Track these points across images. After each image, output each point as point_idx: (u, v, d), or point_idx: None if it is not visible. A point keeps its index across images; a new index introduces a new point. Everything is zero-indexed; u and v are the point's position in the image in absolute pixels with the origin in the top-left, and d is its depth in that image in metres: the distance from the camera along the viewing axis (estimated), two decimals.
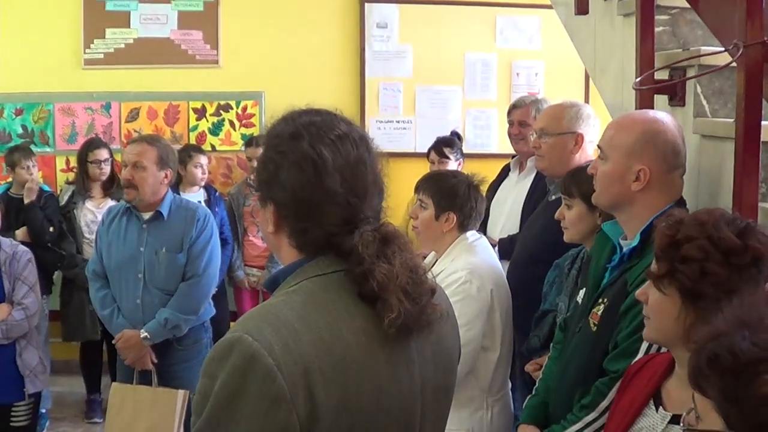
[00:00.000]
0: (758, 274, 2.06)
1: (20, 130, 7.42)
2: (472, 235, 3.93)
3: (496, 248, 5.22)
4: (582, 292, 3.12)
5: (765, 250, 2.06)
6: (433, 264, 3.95)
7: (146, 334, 4.76)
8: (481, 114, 7.67)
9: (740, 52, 2.56)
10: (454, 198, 3.86)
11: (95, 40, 7.64)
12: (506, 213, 5.29)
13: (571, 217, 3.58)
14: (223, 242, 6.81)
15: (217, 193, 7.03)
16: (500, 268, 4.00)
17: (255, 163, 6.75)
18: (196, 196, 6.84)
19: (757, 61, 2.56)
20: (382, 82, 7.73)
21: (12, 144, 7.28)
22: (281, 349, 1.67)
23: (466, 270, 3.73)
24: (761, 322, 1.56)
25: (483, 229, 5.37)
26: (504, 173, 5.57)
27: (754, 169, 2.64)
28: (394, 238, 1.86)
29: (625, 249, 2.88)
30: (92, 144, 6.81)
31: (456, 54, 7.70)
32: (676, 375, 2.26)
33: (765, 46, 2.57)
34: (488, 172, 5.68)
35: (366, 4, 7.65)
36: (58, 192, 6.99)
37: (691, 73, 3.25)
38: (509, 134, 5.53)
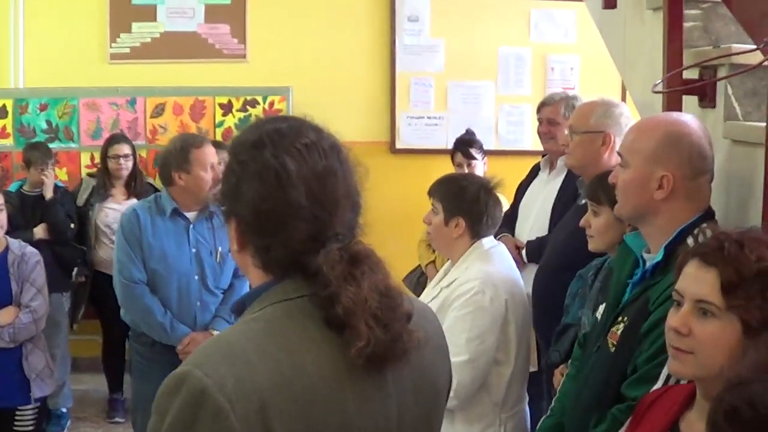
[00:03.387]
0: None
1: (45, 126, 7.32)
2: (488, 242, 3.75)
3: (524, 251, 5.05)
4: (602, 308, 2.92)
5: None
6: (445, 273, 3.79)
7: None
8: (515, 110, 7.44)
9: None
10: (461, 202, 3.68)
11: (121, 35, 7.55)
12: (535, 214, 5.11)
13: (597, 225, 3.37)
14: None
15: None
16: (518, 276, 3.82)
17: None
18: None
19: None
20: (413, 77, 7.52)
21: (36, 140, 7.19)
22: (235, 384, 1.53)
23: (478, 279, 3.55)
24: None
25: (511, 231, 5.22)
26: (534, 173, 5.38)
27: None
28: (365, 258, 1.69)
29: (648, 264, 2.68)
30: (113, 139, 6.73)
31: (489, 48, 7.47)
32: (698, 406, 2.05)
33: None
34: (521, 169, 5.55)
35: None
36: (80, 187, 6.87)
37: (722, 72, 3.03)
38: (538, 132, 5.35)
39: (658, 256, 2.60)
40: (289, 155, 1.71)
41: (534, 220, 5.09)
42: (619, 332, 2.66)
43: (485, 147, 7.10)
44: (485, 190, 3.72)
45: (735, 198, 2.88)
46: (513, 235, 5.22)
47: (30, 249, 4.92)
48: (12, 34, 7.58)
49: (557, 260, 4.11)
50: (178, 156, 4.61)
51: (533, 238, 4.99)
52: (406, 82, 7.52)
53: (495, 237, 5.26)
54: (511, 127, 7.44)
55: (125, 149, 6.61)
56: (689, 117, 2.72)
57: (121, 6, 7.51)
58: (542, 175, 5.24)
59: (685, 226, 2.60)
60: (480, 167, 6.28)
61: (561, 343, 3.58)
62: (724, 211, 2.89)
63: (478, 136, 7.06)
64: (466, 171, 6.22)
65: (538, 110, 5.39)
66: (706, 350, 1.98)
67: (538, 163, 5.36)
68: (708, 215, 2.66)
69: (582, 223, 3.44)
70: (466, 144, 6.31)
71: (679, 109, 3.10)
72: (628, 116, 3.97)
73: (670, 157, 2.60)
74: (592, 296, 3.36)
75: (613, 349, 2.67)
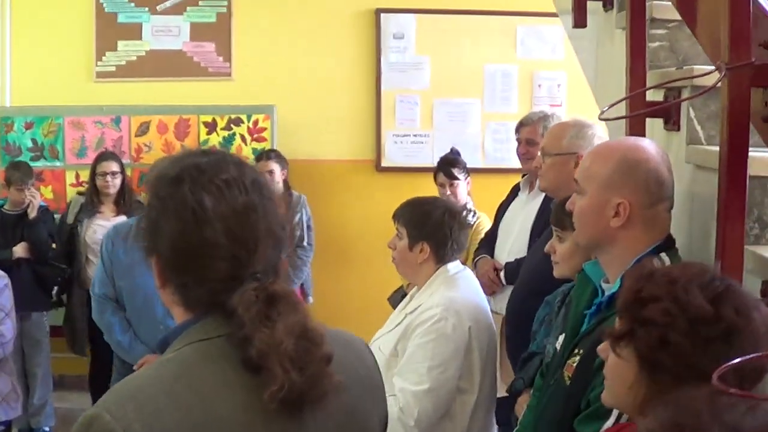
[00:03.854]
0: (728, 350, 1.70)
1: (30, 144, 7.30)
2: (454, 266, 3.69)
3: (502, 273, 5.00)
4: (561, 338, 2.87)
5: (741, 322, 1.73)
6: (411, 299, 3.74)
7: None
8: (501, 127, 7.40)
9: (722, 74, 2.29)
10: (425, 226, 3.62)
11: (107, 53, 7.55)
12: (515, 235, 5.04)
13: (562, 251, 3.30)
14: None
15: None
16: (484, 302, 3.77)
17: (267, 178, 6.59)
18: None
19: (742, 85, 2.27)
20: (399, 95, 7.51)
21: (21, 158, 7.16)
22: (142, 428, 1.49)
23: (441, 306, 3.48)
24: (698, 428, 1.31)
25: (491, 251, 5.16)
26: (514, 193, 5.32)
27: (738, 207, 2.36)
28: (282, 299, 1.64)
29: (603, 295, 2.62)
30: (101, 156, 6.69)
31: (475, 65, 7.45)
32: None
33: (752, 68, 2.28)
34: (508, 187, 5.48)
35: (382, 15, 7.44)
36: (67, 205, 6.84)
37: (685, 94, 2.98)
38: (517, 153, 5.29)
39: (615, 286, 2.54)
40: (207, 192, 1.67)
41: (513, 241, 5.03)
42: (574, 365, 2.60)
43: (471, 165, 7.06)
44: (450, 214, 3.66)
45: (698, 224, 2.83)
46: (492, 255, 5.17)
47: None
48: None
49: (529, 284, 4.04)
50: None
51: (512, 259, 4.93)
52: (391, 100, 7.51)
53: (475, 258, 5.27)
54: (497, 145, 7.40)
55: (113, 166, 6.56)
56: (647, 142, 2.66)
57: (107, 24, 7.51)
58: (522, 195, 5.18)
59: (642, 255, 2.54)
60: (463, 187, 6.22)
61: (526, 370, 3.51)
62: (687, 238, 2.84)
63: (465, 154, 7.00)
64: (448, 191, 6.17)
65: (517, 130, 5.35)
66: (611, 378, 1.93)
67: (519, 183, 5.31)
68: (667, 243, 2.61)
69: (547, 248, 3.38)
70: (448, 164, 6.25)
71: (642, 132, 3.05)
72: (602, 137, 3.91)
73: (625, 184, 2.54)
74: (557, 324, 3.29)
75: (568, 382, 2.61)
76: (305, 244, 6.80)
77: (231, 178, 1.70)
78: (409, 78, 7.48)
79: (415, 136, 7.51)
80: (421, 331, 3.48)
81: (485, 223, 6.09)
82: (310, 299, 7.02)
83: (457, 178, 6.16)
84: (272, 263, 1.73)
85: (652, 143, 2.66)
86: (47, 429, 6.65)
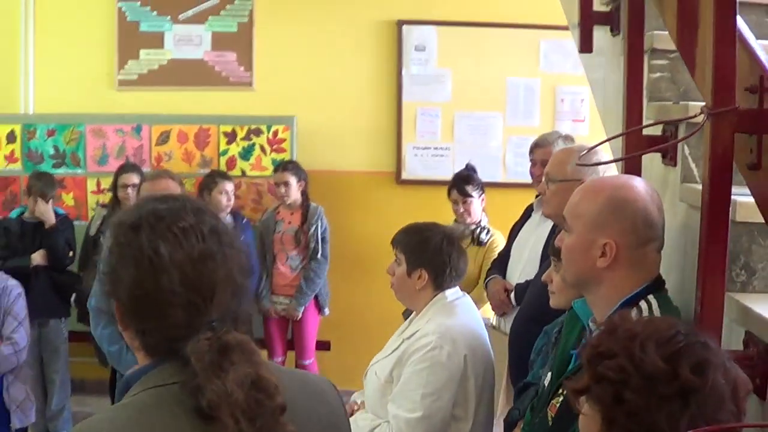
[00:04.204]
0: (683, 410, 1.67)
1: (52, 151, 7.33)
2: (452, 293, 3.66)
3: (512, 294, 4.95)
4: (549, 376, 2.82)
5: (698, 382, 1.67)
6: (409, 324, 3.71)
7: None
8: (523, 141, 7.25)
9: (703, 120, 2.23)
10: (423, 253, 3.60)
11: (129, 61, 7.58)
12: (526, 256, 4.99)
13: (558, 282, 3.25)
14: None
15: (244, 220, 6.84)
16: (481, 330, 3.72)
17: (282, 189, 6.59)
18: None
19: (724, 131, 2.20)
20: (420, 107, 7.46)
21: (43, 165, 7.23)
22: None
23: (437, 334, 3.46)
24: None
25: (503, 272, 5.11)
26: (527, 213, 5.27)
27: (719, 253, 2.29)
28: (235, 348, 1.63)
29: (591, 335, 2.57)
30: (123, 168, 6.70)
31: (497, 78, 7.39)
32: None
33: (736, 114, 2.21)
34: (530, 202, 5.42)
35: (404, 26, 7.39)
36: (90, 216, 6.90)
37: (682, 129, 2.90)
38: (531, 174, 5.24)
39: (600, 328, 2.49)
40: (163, 240, 1.68)
41: (525, 263, 4.98)
42: (558, 405, 2.56)
43: (492, 179, 7.06)
44: (449, 241, 3.64)
45: (691, 262, 2.71)
46: (505, 276, 5.12)
47: (12, 281, 4.94)
48: (22, 60, 7.63)
49: (531, 310, 3.99)
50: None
51: (523, 280, 4.88)
52: (412, 112, 7.46)
53: (486, 277, 5.22)
54: (519, 159, 7.29)
55: (134, 179, 6.55)
56: (638, 181, 2.59)
57: (129, 33, 7.54)
58: (535, 216, 5.13)
59: (629, 297, 2.49)
60: (477, 204, 6.17)
61: (521, 401, 3.45)
62: (680, 278, 2.77)
63: (486, 168, 6.99)
64: (462, 209, 6.13)
65: (531, 151, 5.31)
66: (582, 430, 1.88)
67: (533, 203, 5.25)
68: (656, 284, 2.55)
69: (544, 278, 3.33)
70: (463, 180, 6.20)
71: (639, 165, 2.99)
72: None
73: (612, 224, 2.48)
74: (553, 356, 3.25)
75: (551, 423, 2.57)
76: (319, 256, 6.76)
77: (188, 226, 1.70)
78: (431, 90, 7.43)
79: (435, 149, 7.47)
80: (416, 358, 3.46)
81: (499, 241, 6.04)
82: (327, 311, 7.00)
83: (470, 196, 6.12)
84: (231, 310, 1.73)
85: (643, 182, 2.60)
86: None
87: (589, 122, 7.06)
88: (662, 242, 2.56)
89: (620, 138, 3.21)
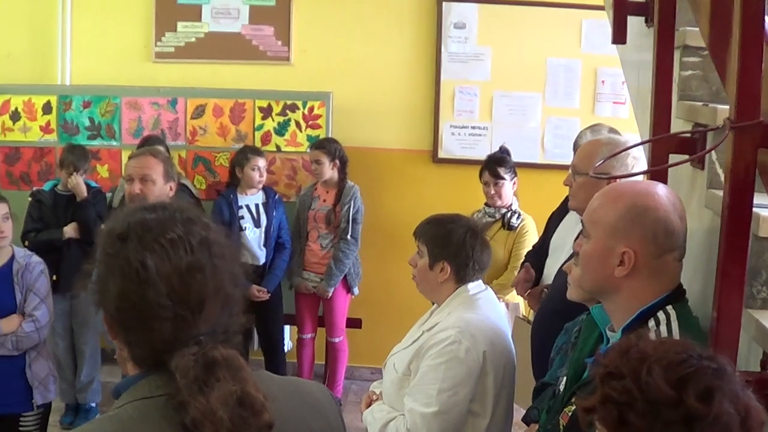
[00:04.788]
0: None
1: (87, 123, 7.32)
2: (474, 287, 3.60)
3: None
4: (564, 380, 2.74)
5: (703, 409, 1.60)
6: (430, 315, 3.65)
7: None
8: (563, 123, 7.20)
9: (726, 133, 2.12)
10: (446, 246, 3.54)
11: (166, 34, 7.54)
12: (567, 253, 4.85)
13: (573, 277, 3.17)
14: (281, 246, 6.64)
15: (276, 196, 6.79)
16: (503, 325, 3.66)
17: (315, 167, 6.53)
18: (253, 198, 6.65)
19: (747, 146, 2.09)
20: (458, 86, 7.34)
21: (78, 137, 7.23)
22: None
23: (456, 329, 3.41)
24: None
25: (540, 267, 4.97)
26: (567, 205, 5.13)
27: (739, 267, 2.20)
28: (221, 364, 1.59)
29: (608, 344, 2.49)
30: (146, 141, 6.66)
31: (537, 58, 7.24)
32: None
33: (761, 128, 2.11)
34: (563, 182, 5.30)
35: (444, 3, 7.25)
36: (112, 188, 6.86)
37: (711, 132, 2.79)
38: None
39: (616, 336, 2.42)
40: (150, 252, 1.65)
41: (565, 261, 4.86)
42: (570, 414, 2.49)
43: (530, 160, 6.97)
44: (472, 233, 3.57)
45: (715, 272, 2.65)
46: (542, 269, 4.97)
47: (35, 258, 4.92)
48: (60, 31, 7.63)
49: (554, 303, 3.89)
50: None
51: None
52: (450, 91, 7.34)
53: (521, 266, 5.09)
54: (557, 140, 7.20)
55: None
56: (660, 188, 2.49)
57: (167, 5, 7.49)
58: (574, 213, 5.00)
59: (646, 307, 2.41)
60: (508, 188, 6.10)
61: (540, 400, 3.39)
62: (702, 286, 2.67)
63: (523, 149, 6.92)
64: (492, 191, 6.06)
65: (575, 150, 5.18)
66: None
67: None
68: (677, 295, 2.46)
69: (564, 267, 3.26)
70: (495, 162, 6.13)
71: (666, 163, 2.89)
72: (636, 156, 3.74)
73: (632, 233, 2.39)
74: (570, 358, 3.16)
75: (562, 431, 2.50)
76: (348, 237, 6.71)
77: (177, 237, 1.67)
78: (470, 69, 7.31)
79: (473, 128, 7.35)
80: (434, 352, 3.41)
81: (530, 227, 5.96)
82: (356, 291, 6.96)
83: (502, 178, 6.06)
84: (222, 323, 1.70)
85: (665, 189, 2.50)
86: (93, 405, 6.80)
87: (629, 105, 6.89)
88: (683, 251, 2.47)
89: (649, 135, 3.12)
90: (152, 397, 1.62)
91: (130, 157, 4.79)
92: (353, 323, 7.15)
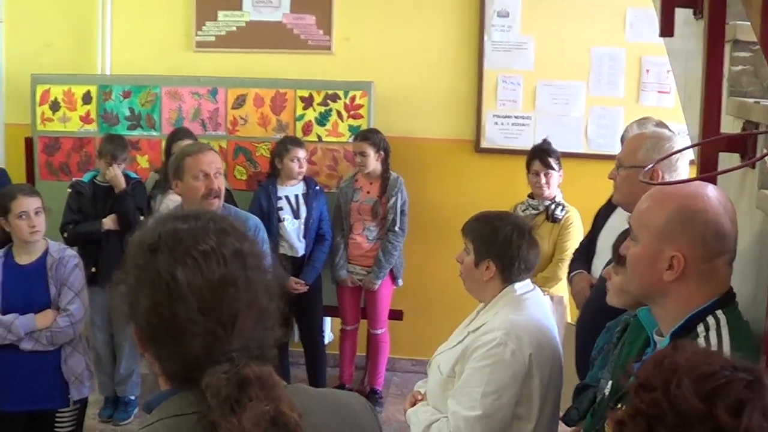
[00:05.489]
0: None
1: (127, 113, 7.32)
2: (522, 287, 3.52)
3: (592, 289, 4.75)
4: (609, 385, 2.68)
5: (734, 423, 1.55)
6: (477, 315, 3.58)
7: None
8: (606, 112, 7.08)
9: None
10: (492, 244, 3.47)
11: (207, 23, 7.52)
12: None
13: (614, 283, 3.11)
14: (321, 238, 6.60)
15: (317, 187, 6.73)
16: (551, 327, 3.57)
17: (359, 159, 6.49)
18: (294, 189, 6.62)
19: None
20: (501, 75, 7.23)
21: (118, 127, 7.23)
22: None
23: (502, 330, 3.34)
24: None
25: (588, 264, 4.89)
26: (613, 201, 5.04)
27: None
28: (255, 383, 1.53)
29: (655, 348, 2.42)
30: (176, 135, 6.66)
31: (581, 47, 7.11)
32: None
33: None
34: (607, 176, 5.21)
35: None
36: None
37: (764, 128, 2.70)
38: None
39: (664, 341, 2.35)
40: (182, 264, 1.60)
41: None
42: None
43: (574, 150, 6.89)
44: (519, 232, 3.49)
45: (766, 275, 2.56)
46: (590, 268, 4.89)
47: (69, 252, 4.90)
48: (100, 20, 7.64)
49: (597, 302, 3.81)
50: (173, 164, 4.71)
51: None
52: (493, 80, 7.24)
53: (570, 271, 5.01)
54: (601, 131, 7.08)
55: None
56: (710, 189, 2.41)
57: None
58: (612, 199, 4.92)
59: (695, 312, 2.34)
60: (556, 178, 6.05)
61: (580, 401, 3.31)
62: (753, 289, 2.59)
63: (567, 139, 6.85)
64: (543, 180, 6.00)
65: (622, 141, 5.10)
66: None
67: None
68: (726, 299, 2.38)
69: (603, 273, 3.21)
70: (545, 152, 6.07)
71: (714, 165, 2.80)
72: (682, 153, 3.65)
73: (681, 236, 2.32)
74: (614, 357, 3.08)
75: None
76: (397, 228, 6.68)
77: (209, 249, 1.62)
78: (513, 58, 7.20)
79: (516, 117, 7.25)
80: (479, 354, 3.35)
81: (574, 218, 5.89)
82: (400, 282, 6.91)
83: (552, 168, 6.03)
84: (256, 337, 1.65)
85: (715, 190, 2.41)
86: (133, 398, 6.78)
87: (674, 94, 6.76)
88: (734, 254, 2.39)
89: (698, 128, 3.03)
90: (183, 414, 1.57)
91: (186, 155, 4.66)
92: (395, 315, 7.11)
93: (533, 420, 3.39)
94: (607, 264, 3.55)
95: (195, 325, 1.58)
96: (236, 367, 1.55)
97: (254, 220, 4.68)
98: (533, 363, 3.35)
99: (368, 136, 6.64)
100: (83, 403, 5.02)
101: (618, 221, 4.68)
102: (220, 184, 4.60)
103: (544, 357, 3.41)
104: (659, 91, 6.93)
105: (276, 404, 1.53)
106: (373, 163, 6.61)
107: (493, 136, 7.27)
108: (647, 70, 7.04)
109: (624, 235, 2.97)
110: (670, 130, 4.91)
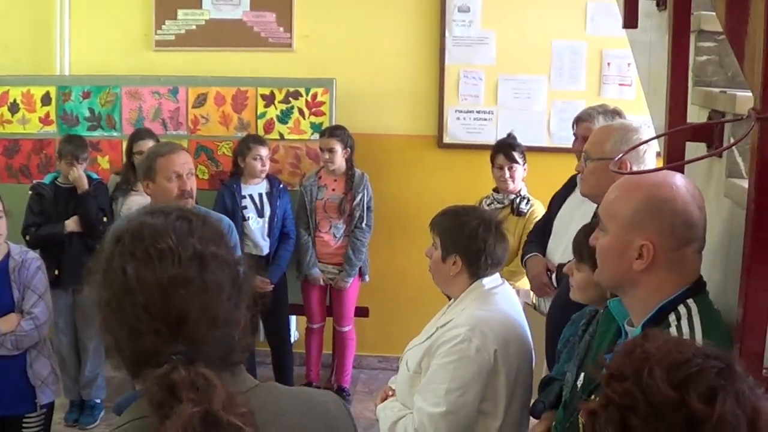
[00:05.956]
0: None
1: (87, 113, 7.23)
2: (490, 281, 3.50)
3: (553, 275, 4.77)
4: (582, 377, 2.68)
5: (706, 411, 1.55)
6: (447, 310, 3.57)
7: None
8: (568, 106, 7.07)
9: (751, 125, 2.04)
10: (458, 239, 3.45)
11: (166, 21, 7.45)
12: (570, 234, 4.76)
13: (577, 279, 3.13)
14: (286, 236, 6.58)
15: (281, 185, 6.71)
16: (519, 323, 3.56)
17: (327, 155, 6.45)
18: (258, 188, 6.59)
19: None
20: (463, 70, 7.22)
21: (78, 128, 7.15)
22: None
23: (467, 326, 3.32)
24: None
25: (543, 247, 4.93)
26: (571, 185, 5.06)
27: (765, 261, 2.12)
28: (183, 386, 1.50)
29: (626, 338, 2.42)
30: (137, 135, 6.60)
31: (542, 41, 7.12)
32: None
33: None
34: (573, 168, 5.21)
35: None
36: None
37: (730, 117, 2.70)
38: (573, 150, 5.03)
39: (636, 330, 2.35)
40: (135, 259, 1.59)
41: (568, 241, 4.74)
42: None
43: (536, 144, 6.90)
44: (485, 226, 3.47)
45: (735, 263, 2.54)
46: (544, 251, 4.93)
47: (31, 254, 4.83)
48: (58, 20, 7.55)
49: (567, 296, 3.83)
50: (144, 165, 4.64)
51: (566, 260, 4.69)
52: (455, 75, 7.24)
53: (524, 253, 5.04)
54: (563, 124, 7.05)
55: (149, 144, 6.41)
56: (678, 178, 2.41)
57: None
58: (578, 191, 4.93)
59: (666, 301, 2.34)
60: (520, 172, 6.07)
61: (546, 394, 3.31)
62: (722, 277, 2.60)
63: (530, 133, 6.87)
64: (507, 174, 6.01)
65: (574, 125, 5.11)
66: None
67: (575, 175, 5.04)
68: (697, 288, 2.39)
69: (565, 269, 3.22)
70: (509, 146, 6.08)
71: (681, 154, 2.80)
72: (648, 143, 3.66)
73: (650, 225, 2.33)
74: (579, 350, 3.07)
75: (582, 430, 2.43)
76: (364, 225, 6.69)
77: (166, 248, 1.60)
78: (474, 52, 7.20)
79: (478, 112, 7.25)
80: (444, 350, 3.33)
81: (539, 212, 5.90)
82: (367, 278, 6.90)
83: (517, 162, 6.04)
84: (214, 343, 1.61)
85: (683, 179, 2.42)
86: (98, 401, 6.70)
87: (635, 87, 6.80)
88: (703, 243, 2.40)
89: (664, 119, 3.03)
90: (145, 417, 1.54)
91: (159, 155, 4.59)
92: (360, 312, 7.09)
93: (500, 417, 3.37)
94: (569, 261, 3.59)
95: (139, 322, 1.56)
96: (167, 371, 1.52)
97: (227, 222, 4.64)
98: (499, 359, 3.33)
99: (336, 133, 6.62)
100: (50, 407, 4.95)
101: (572, 206, 4.73)
102: (193, 184, 4.56)
103: (511, 353, 3.39)
104: (620, 84, 6.96)
105: (206, 406, 1.49)
106: (340, 160, 6.59)
107: (456, 131, 7.26)
108: (608, 63, 7.07)
109: (585, 231, 2.99)
110: (622, 116, 4.96)
